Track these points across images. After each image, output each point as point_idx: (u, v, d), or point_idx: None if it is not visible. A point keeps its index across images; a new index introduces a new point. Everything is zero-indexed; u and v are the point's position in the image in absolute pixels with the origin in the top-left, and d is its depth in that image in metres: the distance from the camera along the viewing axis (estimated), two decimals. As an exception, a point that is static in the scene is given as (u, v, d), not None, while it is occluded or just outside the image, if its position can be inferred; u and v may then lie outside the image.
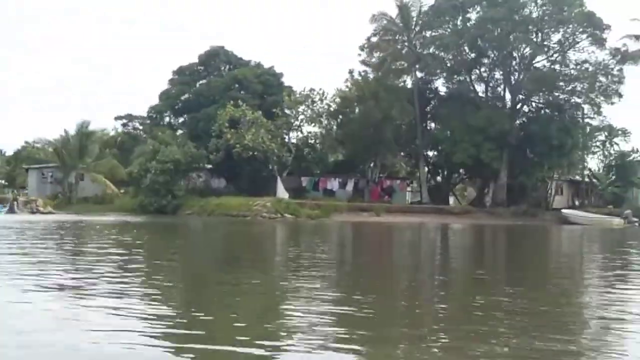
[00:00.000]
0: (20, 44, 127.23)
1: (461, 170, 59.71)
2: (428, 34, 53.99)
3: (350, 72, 55.56)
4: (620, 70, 51.61)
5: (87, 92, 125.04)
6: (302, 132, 53.63)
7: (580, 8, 50.47)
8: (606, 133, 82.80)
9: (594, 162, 67.14)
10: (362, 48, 56.08)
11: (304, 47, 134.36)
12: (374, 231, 32.61)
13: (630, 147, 63.81)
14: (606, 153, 64.32)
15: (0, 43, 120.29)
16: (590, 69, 51.27)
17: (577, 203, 63.11)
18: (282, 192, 49.89)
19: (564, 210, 52.17)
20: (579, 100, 52.29)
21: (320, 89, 52.47)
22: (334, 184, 53.28)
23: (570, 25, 49.69)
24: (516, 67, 52.88)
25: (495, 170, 52.41)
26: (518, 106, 54.56)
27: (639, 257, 19.55)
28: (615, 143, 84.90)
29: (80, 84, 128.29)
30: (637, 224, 47.24)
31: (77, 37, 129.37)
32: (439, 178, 60.60)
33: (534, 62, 52.54)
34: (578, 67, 51.16)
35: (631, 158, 61.38)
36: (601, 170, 64.47)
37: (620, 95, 51.59)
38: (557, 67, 51.72)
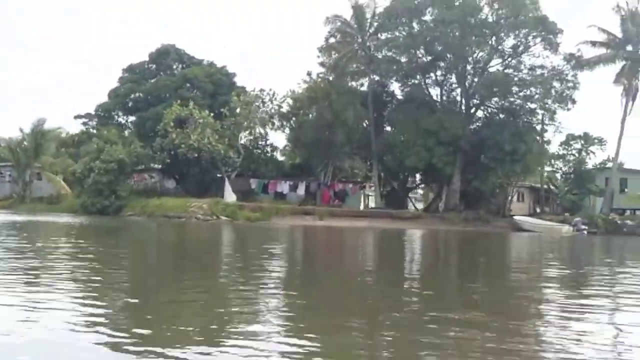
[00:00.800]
0: (20, 44, 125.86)
1: (417, 175, 59.02)
2: (383, 36, 53.05)
3: (309, 74, 54.82)
4: (575, 76, 51.09)
5: (88, 91, 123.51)
6: (252, 133, 52.53)
7: (535, 12, 49.84)
8: (582, 142, 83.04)
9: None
10: (320, 50, 55.24)
11: (262, 48, 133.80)
12: (308, 235, 31.60)
13: (606, 156, 63.30)
14: (567, 160, 63.67)
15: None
16: (545, 74, 50.64)
17: (537, 210, 62.65)
18: (229, 194, 48.79)
19: (516, 217, 51.50)
20: (533, 106, 51.48)
21: (271, 90, 51.57)
22: (284, 186, 52.21)
23: (524, 30, 48.96)
24: (470, 71, 52.10)
25: (448, 175, 51.60)
26: (472, 111, 53.81)
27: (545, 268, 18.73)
28: (592, 152, 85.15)
29: (80, 84, 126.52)
30: (585, 232, 46.61)
31: (77, 37, 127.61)
32: (395, 183, 59.61)
33: (488, 66, 51.82)
34: (532, 72, 50.46)
35: (589, 166, 60.71)
36: (560, 178, 63.90)
37: (574, 102, 51.08)
38: (511, 71, 50.95)
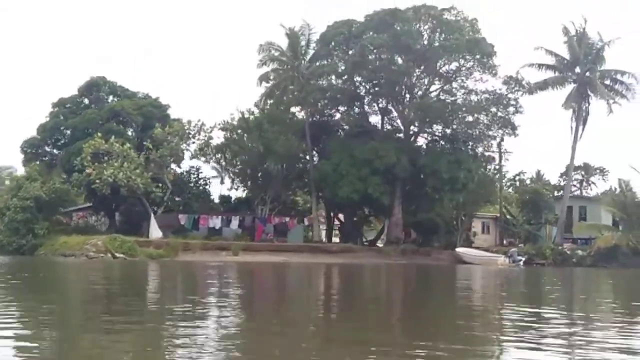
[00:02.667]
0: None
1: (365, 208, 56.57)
2: (317, 63, 51.12)
3: (250, 109, 52.86)
4: (516, 100, 48.87)
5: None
6: (179, 166, 50.60)
7: (472, 35, 47.87)
8: (583, 172, 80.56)
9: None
10: (260, 79, 53.44)
11: (201, 78, 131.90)
12: (193, 272, 29.16)
13: (608, 187, 60.60)
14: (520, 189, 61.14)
15: None
16: (481, 99, 48.51)
17: (505, 242, 59.82)
18: (155, 231, 46.58)
19: (458, 249, 48.90)
20: (472, 132, 49.09)
21: (199, 120, 49.67)
22: (216, 221, 49.83)
23: (457, 53, 46.83)
24: (407, 98, 49.96)
25: (385, 206, 49.21)
26: (413, 138, 51.58)
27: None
28: (593, 183, 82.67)
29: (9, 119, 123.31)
30: (521, 263, 43.88)
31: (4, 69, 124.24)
32: (341, 215, 57.21)
33: (426, 92, 49.72)
34: (468, 96, 48.35)
35: (544, 194, 57.99)
36: (515, 207, 61.16)
37: (514, 128, 48.78)
38: (446, 97, 48.83)
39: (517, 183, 63.63)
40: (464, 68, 47.73)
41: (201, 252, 40.11)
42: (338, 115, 53.06)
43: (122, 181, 44.41)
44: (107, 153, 46.30)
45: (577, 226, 52.06)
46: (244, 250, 41.38)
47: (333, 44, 50.38)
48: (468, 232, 64.85)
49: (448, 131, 50.12)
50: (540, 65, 52.17)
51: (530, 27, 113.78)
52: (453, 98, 48.67)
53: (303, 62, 51.56)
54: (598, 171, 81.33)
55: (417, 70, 48.38)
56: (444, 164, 47.20)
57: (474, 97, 48.25)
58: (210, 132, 49.51)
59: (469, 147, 50.56)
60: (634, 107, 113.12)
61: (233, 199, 56.10)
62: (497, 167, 56.58)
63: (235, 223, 50.29)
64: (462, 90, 48.76)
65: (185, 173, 52.04)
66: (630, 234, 48.12)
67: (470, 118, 48.12)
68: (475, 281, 28.31)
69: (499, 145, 52.50)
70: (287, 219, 51.67)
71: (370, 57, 47.77)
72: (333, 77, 49.92)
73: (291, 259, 40.14)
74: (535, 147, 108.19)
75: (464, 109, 47.64)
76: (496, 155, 54.13)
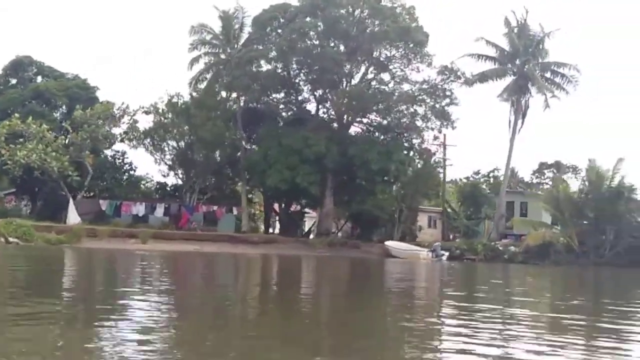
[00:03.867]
0: None
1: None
2: (252, 47, 49.38)
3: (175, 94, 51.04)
4: (451, 91, 47.55)
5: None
6: (103, 151, 48.77)
7: (409, 23, 46.33)
8: (554, 170, 79.37)
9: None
10: (191, 63, 51.68)
11: (134, 62, 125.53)
12: (86, 259, 27.50)
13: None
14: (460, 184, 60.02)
15: None
16: (418, 89, 47.16)
17: (451, 236, 58.67)
18: (74, 217, 44.83)
19: (387, 243, 47.56)
20: (403, 123, 47.74)
21: (123, 103, 47.93)
22: (139, 208, 48.14)
23: (391, 42, 45.26)
24: (343, 85, 48.38)
25: (315, 196, 47.83)
26: (347, 128, 50.06)
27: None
28: (564, 180, 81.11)
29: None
30: (444, 257, 42.69)
31: None
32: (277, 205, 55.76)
33: (356, 80, 48.23)
34: (402, 86, 47.00)
35: (483, 188, 56.94)
36: (456, 201, 60.08)
37: (447, 118, 47.49)
38: (381, 86, 47.38)
39: (491, 180, 62.35)
40: (395, 56, 46.20)
41: (108, 239, 38.38)
42: (266, 101, 51.08)
43: (34, 163, 42.57)
44: (24, 134, 44.38)
45: (514, 222, 50.90)
46: (155, 238, 39.71)
47: (269, 28, 48.64)
48: (412, 226, 63.82)
49: (382, 121, 48.70)
50: (479, 56, 51.03)
51: (479, 18, 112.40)
52: (385, 87, 47.16)
53: (236, 46, 49.88)
54: (570, 169, 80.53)
55: (351, 57, 46.71)
56: (374, 155, 45.81)
57: (407, 87, 46.86)
58: (134, 115, 47.73)
59: (404, 138, 49.14)
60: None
61: (169, 185, 54.38)
62: (437, 160, 55.25)
63: (160, 211, 48.64)
64: (395, 79, 47.23)
65: (110, 157, 50.24)
66: (563, 231, 47.31)
67: (402, 108, 46.71)
68: (377, 275, 27.08)
69: (436, 137, 51.15)
70: (215, 207, 50.08)
71: (302, 42, 46.09)
72: (264, 62, 48.06)
73: (204, 249, 38.59)
74: (485, 141, 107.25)
75: (394, 98, 46.17)
76: (435, 148, 52.77)
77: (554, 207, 47.27)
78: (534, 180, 77.13)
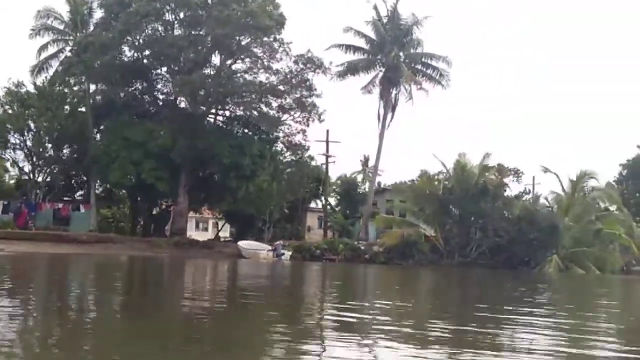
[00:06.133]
0: None
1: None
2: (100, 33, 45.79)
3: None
4: (309, 81, 44.78)
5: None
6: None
7: (259, 8, 43.20)
8: (496, 173, 76.79)
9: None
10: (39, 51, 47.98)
11: None
12: None
13: (522, 188, 56.56)
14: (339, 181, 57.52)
15: None
16: (276, 79, 44.35)
17: (331, 236, 56.12)
18: None
19: (239, 243, 44.66)
20: (257, 114, 44.78)
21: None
22: (-25, 206, 44.49)
23: (237, 28, 42.06)
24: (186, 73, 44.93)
25: (163, 194, 44.73)
26: (200, 119, 46.83)
27: None
28: (506, 184, 78.53)
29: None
30: (283, 257, 39.94)
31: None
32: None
33: (210, 69, 45.16)
34: (255, 75, 44.10)
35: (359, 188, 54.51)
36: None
37: (305, 109, 44.76)
38: (234, 75, 44.39)
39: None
40: (246, 44, 43.20)
41: None
42: (114, 91, 47.44)
43: None
44: None
45: (376, 221, 48.36)
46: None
47: (109, 11, 44.84)
48: (299, 226, 61.23)
49: (238, 113, 45.81)
50: (348, 47, 48.58)
51: (353, 6, 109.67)
52: (238, 76, 44.18)
53: (84, 32, 46.48)
54: (512, 172, 78.31)
55: (198, 44, 43.60)
56: (225, 149, 42.85)
57: (264, 77, 44.00)
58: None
59: (262, 131, 46.20)
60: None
61: (12, 181, 50.75)
62: (311, 155, 52.48)
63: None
64: (250, 69, 44.27)
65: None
66: (428, 229, 45.07)
67: (257, 99, 43.83)
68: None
69: (304, 131, 48.19)
70: (61, 205, 46.57)
71: (143, 27, 42.85)
72: (103, 49, 44.26)
73: (11, 247, 34.98)
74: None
75: (247, 88, 43.25)
76: (303, 141, 49.79)
77: (416, 203, 45.01)
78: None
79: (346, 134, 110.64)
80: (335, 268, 36.46)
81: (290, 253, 40.45)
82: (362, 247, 44.80)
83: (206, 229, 76.14)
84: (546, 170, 48.14)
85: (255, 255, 40.07)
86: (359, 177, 66.02)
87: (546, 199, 49.22)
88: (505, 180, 78.47)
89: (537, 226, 43.44)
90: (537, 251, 43.55)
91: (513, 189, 75.67)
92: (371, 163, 57.26)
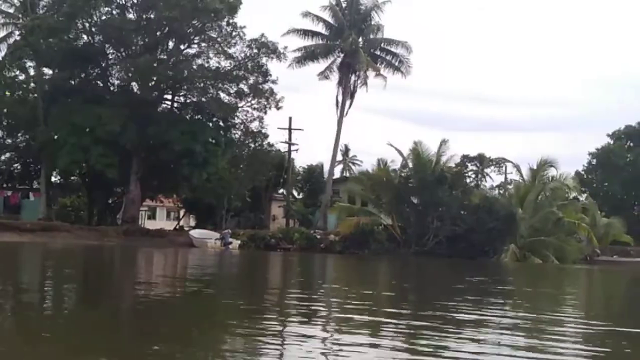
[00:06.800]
0: None
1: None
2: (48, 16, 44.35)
3: None
4: (263, 66, 43.72)
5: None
6: None
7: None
8: (477, 163, 76.07)
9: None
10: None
11: None
12: None
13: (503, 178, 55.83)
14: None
15: None
16: (230, 64, 43.31)
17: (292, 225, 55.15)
18: None
19: (191, 232, 43.72)
20: (209, 100, 43.54)
21: None
22: None
23: (187, 11, 40.71)
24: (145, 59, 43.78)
25: (114, 181, 43.62)
26: (153, 105, 45.65)
27: None
28: (488, 174, 78.06)
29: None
30: (231, 245, 39.04)
31: None
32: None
33: (163, 54, 43.89)
34: (206, 60, 43.03)
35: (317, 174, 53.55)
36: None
37: (260, 95, 43.75)
38: (176, 58, 43.12)
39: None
40: (194, 27, 42.01)
41: None
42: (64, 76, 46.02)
43: None
44: None
45: (334, 209, 47.46)
46: None
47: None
48: (262, 215, 60.28)
49: (192, 99, 44.72)
50: (306, 33, 47.55)
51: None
52: (190, 61, 43.04)
53: (35, 13, 45.01)
54: (494, 163, 77.83)
55: (148, 28, 42.38)
56: (176, 135, 41.78)
57: (216, 62, 42.92)
58: None
59: (217, 117, 45.11)
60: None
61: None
62: (272, 142, 51.32)
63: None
64: (202, 53, 43.21)
65: None
66: (384, 218, 44.34)
67: (209, 84, 42.74)
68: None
69: (261, 118, 47.09)
70: (10, 193, 45.37)
71: (94, 10, 41.65)
72: (51, 32, 42.78)
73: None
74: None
75: (198, 73, 42.14)
76: (261, 129, 48.67)
77: (373, 192, 44.22)
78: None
79: (312, 122, 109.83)
80: (283, 257, 35.77)
81: (239, 242, 39.53)
82: (318, 237, 43.96)
83: (178, 218, 75.21)
84: (504, 160, 47.44)
85: (203, 244, 39.13)
86: (339, 168, 65.26)
87: (506, 187, 48.53)
88: (487, 170, 79.07)
89: (496, 215, 42.82)
90: (495, 240, 42.84)
91: (495, 179, 76.35)
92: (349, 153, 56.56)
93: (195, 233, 42.57)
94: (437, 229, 42.98)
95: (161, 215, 73.95)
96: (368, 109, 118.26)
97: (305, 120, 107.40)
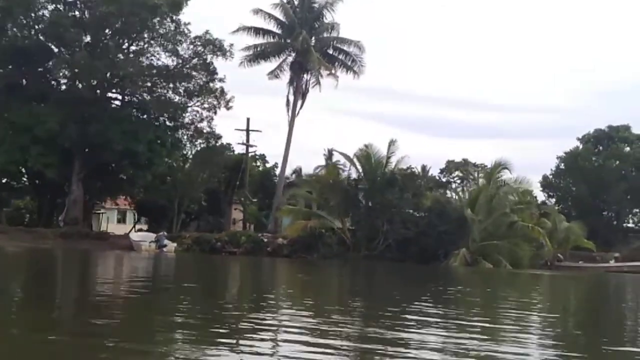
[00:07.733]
0: None
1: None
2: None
3: None
4: (212, 65, 42.57)
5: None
6: None
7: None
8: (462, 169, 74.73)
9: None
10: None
11: None
12: None
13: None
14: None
15: None
16: (175, 63, 42.14)
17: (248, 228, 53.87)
18: None
19: (131, 234, 42.48)
20: (152, 98, 42.42)
21: None
22: None
23: (131, 7, 39.51)
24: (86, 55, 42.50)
25: (55, 182, 42.33)
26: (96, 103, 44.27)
27: None
28: (472, 179, 76.35)
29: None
30: (166, 248, 37.78)
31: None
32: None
33: (103, 51, 42.59)
34: (149, 58, 41.83)
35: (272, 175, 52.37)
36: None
37: (207, 93, 42.57)
38: (116, 55, 41.90)
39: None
40: (132, 26, 40.76)
41: None
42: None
43: None
44: None
45: (282, 212, 46.22)
46: None
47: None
48: (222, 219, 59.02)
49: (135, 97, 43.51)
50: (257, 30, 46.38)
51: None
52: (129, 58, 41.81)
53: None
54: (479, 167, 76.71)
55: (89, 25, 41.17)
56: (117, 134, 40.57)
57: (161, 60, 41.76)
58: None
59: (163, 117, 43.91)
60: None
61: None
62: (221, 144, 50.02)
63: None
64: (144, 51, 41.99)
65: None
66: (333, 221, 43.15)
67: (150, 81, 41.55)
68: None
69: (211, 118, 45.84)
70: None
71: (32, 7, 40.36)
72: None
73: None
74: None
75: (141, 72, 40.96)
76: (212, 130, 47.39)
77: (321, 194, 43.06)
78: (442, 179, 72.49)
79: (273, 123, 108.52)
80: (220, 261, 34.59)
81: (175, 245, 38.30)
82: (265, 240, 42.77)
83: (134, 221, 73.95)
84: (451, 162, 46.40)
85: (139, 247, 37.91)
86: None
87: (460, 190, 47.47)
88: (470, 174, 77.81)
89: (447, 218, 41.75)
90: (447, 244, 41.72)
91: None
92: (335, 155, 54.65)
93: (135, 235, 41.30)
94: (387, 232, 41.82)
95: (130, 218, 72.67)
96: (349, 112, 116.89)
97: (267, 122, 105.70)
